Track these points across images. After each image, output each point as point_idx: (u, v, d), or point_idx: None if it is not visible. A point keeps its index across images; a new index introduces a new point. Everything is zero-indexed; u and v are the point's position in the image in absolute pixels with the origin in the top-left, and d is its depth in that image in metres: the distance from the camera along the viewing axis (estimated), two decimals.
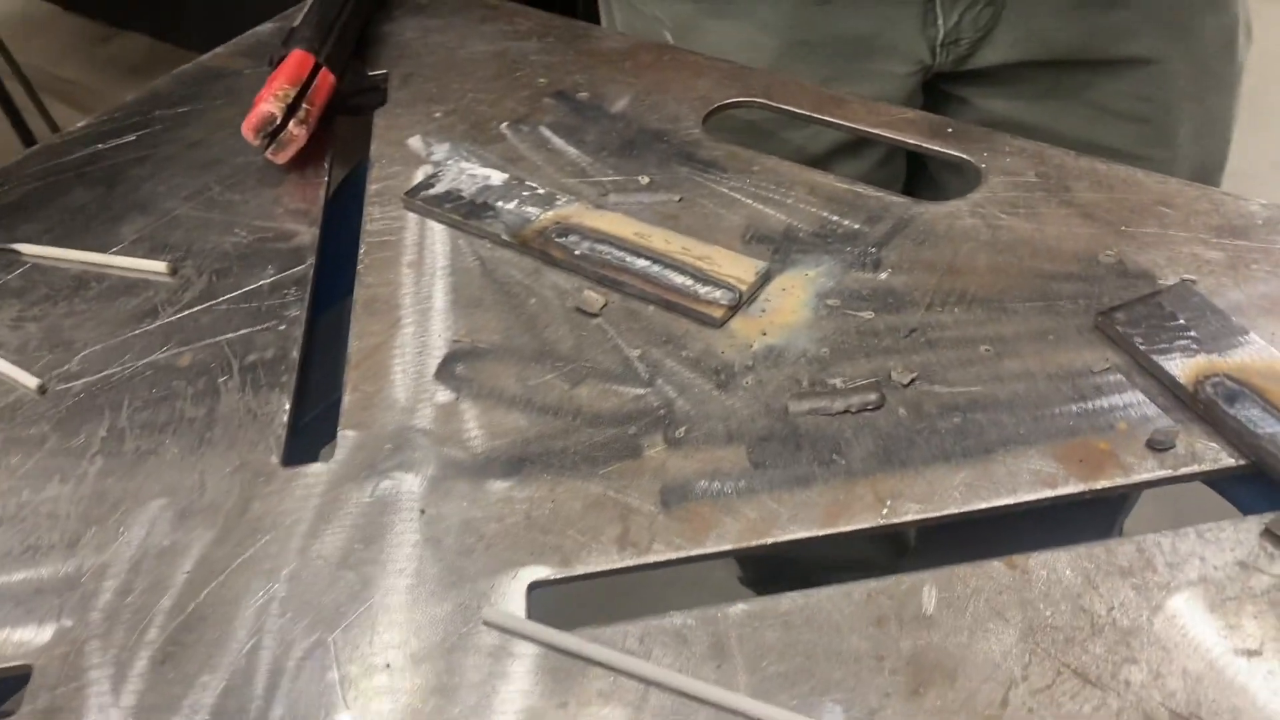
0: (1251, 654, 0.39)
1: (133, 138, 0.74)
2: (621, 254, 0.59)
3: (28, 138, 2.67)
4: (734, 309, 0.55)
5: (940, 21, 0.76)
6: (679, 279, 0.57)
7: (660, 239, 0.59)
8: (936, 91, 0.83)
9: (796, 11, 0.76)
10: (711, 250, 0.58)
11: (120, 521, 0.49)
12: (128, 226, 0.66)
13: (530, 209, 0.63)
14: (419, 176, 0.67)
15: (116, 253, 0.64)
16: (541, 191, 0.64)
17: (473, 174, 0.66)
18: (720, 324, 0.55)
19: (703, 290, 0.56)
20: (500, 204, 0.64)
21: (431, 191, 0.65)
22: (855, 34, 0.76)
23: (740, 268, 0.57)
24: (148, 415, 0.54)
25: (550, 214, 0.62)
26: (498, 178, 0.66)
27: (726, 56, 0.75)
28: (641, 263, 0.58)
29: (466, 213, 0.63)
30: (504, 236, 0.61)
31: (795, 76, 0.73)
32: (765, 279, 0.57)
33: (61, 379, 0.57)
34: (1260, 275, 0.54)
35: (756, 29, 0.77)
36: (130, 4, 2.38)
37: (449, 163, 0.68)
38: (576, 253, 0.59)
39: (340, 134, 0.74)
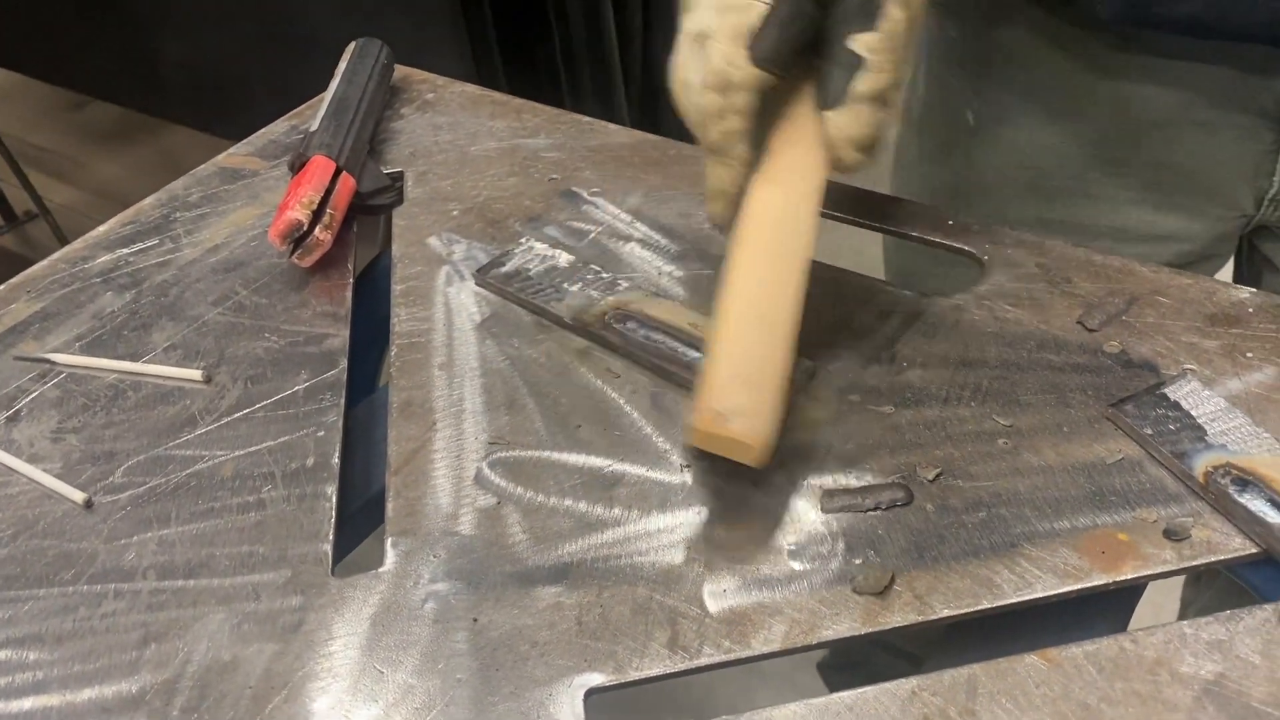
0: None
1: (155, 241, 0.76)
2: (675, 344, 0.61)
3: (4, 207, 2.68)
4: None
5: (1277, 176, 0.70)
6: None
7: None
8: (1246, 242, 0.78)
9: (1113, 127, 0.71)
10: None
11: (180, 636, 0.50)
12: (159, 333, 0.68)
13: (594, 292, 0.66)
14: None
15: (149, 361, 0.66)
16: (605, 275, 0.67)
17: (542, 254, 0.69)
18: None
19: None
20: (565, 285, 0.66)
21: (502, 270, 0.68)
22: (1174, 164, 0.71)
23: None
24: (196, 528, 0.55)
25: (612, 299, 0.65)
26: (564, 259, 0.68)
27: (1025, 161, 0.74)
28: (694, 355, 0.61)
29: (534, 292, 0.66)
30: (567, 319, 0.64)
31: (1104, 191, 0.72)
32: (810, 377, 0.59)
33: (106, 491, 0.58)
34: (1255, 363, 0.57)
35: (1065, 138, 0.73)
36: (102, 73, 2.39)
37: (521, 240, 0.71)
38: (632, 340, 0.62)
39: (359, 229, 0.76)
